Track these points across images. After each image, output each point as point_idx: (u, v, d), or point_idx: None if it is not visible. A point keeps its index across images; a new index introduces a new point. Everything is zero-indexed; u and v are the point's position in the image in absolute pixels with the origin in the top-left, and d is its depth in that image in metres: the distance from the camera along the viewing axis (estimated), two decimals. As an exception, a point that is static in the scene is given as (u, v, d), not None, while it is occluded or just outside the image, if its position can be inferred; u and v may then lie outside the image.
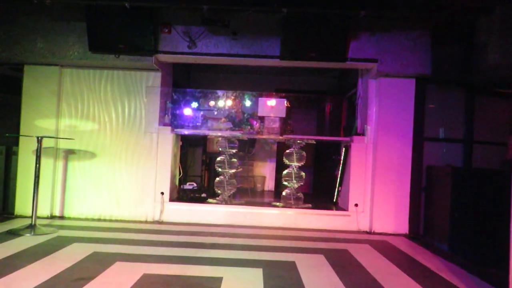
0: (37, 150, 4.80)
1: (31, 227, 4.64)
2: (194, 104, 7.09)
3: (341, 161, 6.31)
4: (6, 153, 5.60)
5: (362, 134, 5.89)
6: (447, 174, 5.02)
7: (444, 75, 5.40)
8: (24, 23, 5.47)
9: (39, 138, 4.81)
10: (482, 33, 5.10)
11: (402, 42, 5.44)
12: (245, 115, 6.70)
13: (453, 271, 3.90)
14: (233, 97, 6.80)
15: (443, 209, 5.01)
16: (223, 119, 6.32)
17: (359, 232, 5.59)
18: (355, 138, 5.85)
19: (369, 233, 5.55)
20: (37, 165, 4.79)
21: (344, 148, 6.27)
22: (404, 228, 5.51)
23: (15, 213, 5.57)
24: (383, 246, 4.82)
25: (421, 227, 5.55)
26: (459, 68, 5.29)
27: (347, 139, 6.11)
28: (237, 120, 6.62)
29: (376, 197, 5.56)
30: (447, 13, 5.07)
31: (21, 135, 5.56)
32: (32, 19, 5.46)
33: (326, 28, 5.29)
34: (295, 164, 6.04)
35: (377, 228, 5.53)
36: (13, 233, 4.54)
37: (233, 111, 6.68)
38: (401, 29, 5.42)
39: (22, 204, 5.54)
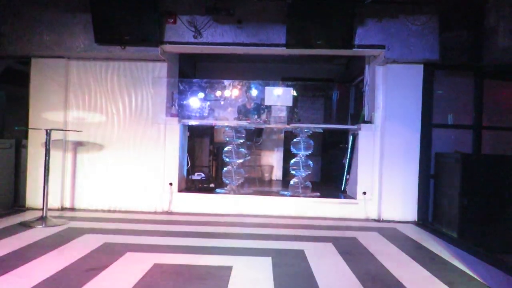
0: (46, 142, 4.84)
1: (43, 219, 4.70)
2: (201, 94, 7.10)
3: (349, 149, 6.28)
4: (15, 147, 5.65)
5: (370, 121, 5.85)
6: (456, 160, 4.98)
7: (452, 60, 5.33)
8: (30, 16, 5.47)
9: (48, 130, 4.85)
10: (491, 17, 5.02)
11: (409, 28, 5.37)
12: (253, 104, 6.70)
13: (463, 257, 3.89)
14: (239, 86, 6.78)
15: (452, 195, 4.98)
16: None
17: (367, 220, 5.59)
18: (363, 125, 5.82)
19: (378, 220, 5.54)
20: (47, 157, 4.84)
21: (351, 136, 6.24)
22: (413, 215, 5.50)
23: (26, 206, 5.65)
24: (392, 233, 4.82)
25: (430, 214, 5.54)
26: (468, 53, 5.22)
27: (355, 127, 6.08)
28: (248, 107, 6.61)
29: (384, 184, 5.55)
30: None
31: (30, 128, 5.60)
32: (38, 12, 5.47)
33: (332, 15, 5.23)
34: (303, 153, 6.03)
35: (386, 216, 5.52)
36: (25, 225, 4.60)
37: (244, 102, 6.66)
38: (408, 14, 5.35)
39: (33, 196, 5.61)
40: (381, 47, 5.40)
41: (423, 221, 5.44)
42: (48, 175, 4.83)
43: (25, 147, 5.70)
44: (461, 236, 4.74)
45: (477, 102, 5.65)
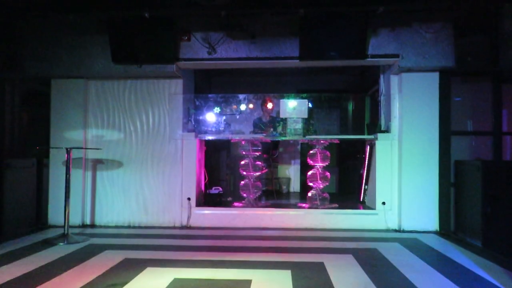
0: (66, 161, 4.94)
1: (64, 236, 4.78)
2: (217, 109, 7.16)
3: (366, 159, 6.23)
4: (37, 166, 5.77)
5: (387, 131, 5.81)
6: (477, 168, 4.89)
7: (469, 67, 5.27)
8: (49, 39, 5.65)
9: (68, 149, 4.96)
10: (506, 21, 4.96)
11: (423, 35, 5.35)
12: (269, 117, 6.72)
13: (487, 267, 3.79)
14: (254, 100, 6.82)
15: (475, 204, 4.88)
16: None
17: (388, 230, 5.50)
18: (380, 135, 5.77)
19: (398, 231, 5.46)
20: (67, 175, 4.94)
21: (368, 146, 6.20)
22: (434, 225, 5.40)
23: (48, 223, 5.75)
24: (414, 244, 4.73)
25: (452, 223, 5.42)
26: (484, 58, 5.16)
27: (372, 136, 6.03)
28: (264, 121, 6.64)
29: (404, 194, 5.47)
30: (470, 2, 4.96)
31: (51, 147, 5.74)
32: (57, 34, 5.64)
33: (345, 26, 5.25)
34: (320, 164, 6.01)
35: (406, 226, 5.44)
36: (48, 243, 4.69)
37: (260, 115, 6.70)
38: (422, 21, 5.33)
39: (55, 214, 5.71)
40: (395, 56, 5.39)
41: (445, 231, 5.33)
42: (69, 193, 4.93)
43: (47, 166, 5.84)
44: (485, 246, 4.62)
45: (496, 107, 5.56)
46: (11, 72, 5.76)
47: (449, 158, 5.47)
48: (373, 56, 5.41)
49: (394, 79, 5.75)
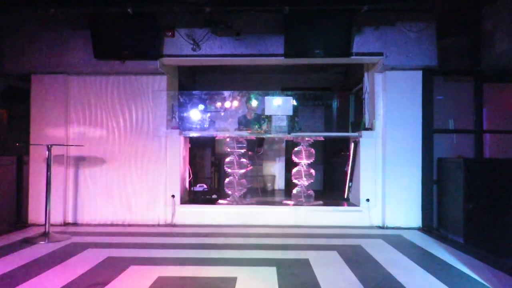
0: (47, 158, 4.85)
1: (45, 235, 4.68)
2: (201, 106, 7.12)
3: (351, 157, 6.27)
4: (17, 163, 5.65)
5: (371, 128, 5.85)
6: (459, 165, 4.97)
7: (451, 66, 5.34)
8: (29, 33, 5.52)
9: (49, 146, 4.86)
10: (488, 21, 5.04)
11: (407, 35, 5.40)
12: (253, 115, 6.71)
13: (469, 263, 3.85)
14: (239, 97, 6.80)
15: (457, 201, 4.96)
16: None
17: (371, 227, 5.56)
18: (364, 133, 5.82)
19: (382, 227, 5.51)
20: (48, 173, 4.84)
21: (353, 144, 6.24)
22: (417, 222, 5.47)
23: (28, 222, 5.63)
24: (397, 240, 4.79)
25: (435, 220, 5.50)
26: (466, 58, 5.23)
27: (356, 134, 6.08)
28: (249, 118, 6.62)
29: (387, 191, 5.52)
30: (452, 2, 5.02)
31: (31, 144, 5.62)
32: (37, 29, 5.52)
33: (329, 24, 5.27)
34: (304, 161, 6.02)
35: (390, 223, 5.49)
36: (28, 241, 4.59)
37: (244, 112, 6.67)
38: (405, 21, 5.38)
39: (35, 212, 5.59)
40: (379, 54, 5.43)
41: (428, 227, 5.40)
42: (50, 191, 4.83)
43: (27, 163, 5.71)
44: (467, 242, 4.70)
45: (478, 106, 5.66)
46: (-11, 68, 5.62)
47: (431, 155, 5.55)
48: (357, 54, 5.45)
49: (378, 77, 5.79)
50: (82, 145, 5.61)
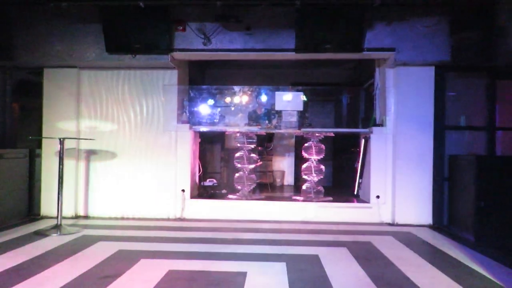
0: (59, 151, 4.89)
1: (57, 227, 4.74)
2: (211, 101, 7.13)
3: (361, 153, 6.24)
4: (29, 156, 5.71)
5: (381, 124, 5.81)
6: (471, 163, 4.91)
7: (464, 61, 5.28)
8: (42, 27, 5.55)
9: (61, 139, 4.90)
10: (502, 17, 4.97)
11: (419, 30, 5.34)
12: (263, 110, 6.70)
13: (480, 260, 3.82)
14: (249, 92, 6.79)
15: (468, 198, 4.91)
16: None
17: (381, 224, 5.53)
18: (374, 129, 5.78)
19: (392, 224, 5.48)
20: (60, 166, 4.88)
21: (363, 140, 6.21)
22: (428, 219, 5.43)
23: (41, 214, 5.70)
24: (407, 237, 4.76)
25: (445, 217, 5.46)
26: (479, 53, 5.17)
27: (366, 130, 6.04)
28: (259, 113, 6.61)
29: (398, 188, 5.49)
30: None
31: (44, 137, 5.67)
32: (49, 22, 5.54)
33: (341, 19, 5.22)
34: (314, 157, 6.01)
35: (400, 220, 5.46)
36: (40, 234, 4.64)
37: (254, 107, 6.67)
38: (418, 16, 5.32)
39: (47, 205, 5.66)
40: (391, 49, 5.38)
41: (438, 225, 5.37)
42: (62, 184, 4.87)
43: (39, 156, 5.77)
44: (478, 239, 4.66)
45: (490, 102, 5.58)
46: (2, 61, 5.66)
47: (443, 152, 5.50)
48: (369, 50, 5.40)
49: (389, 73, 5.74)
50: (93, 139, 5.65)
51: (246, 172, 6.08)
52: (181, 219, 5.66)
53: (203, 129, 6.19)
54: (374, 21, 5.36)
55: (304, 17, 5.22)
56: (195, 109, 6.48)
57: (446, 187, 5.48)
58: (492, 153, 5.51)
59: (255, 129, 6.14)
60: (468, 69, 5.61)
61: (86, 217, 5.76)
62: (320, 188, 6.00)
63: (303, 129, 6.01)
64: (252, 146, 6.13)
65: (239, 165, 6.08)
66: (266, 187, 7.12)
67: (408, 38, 5.35)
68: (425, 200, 5.43)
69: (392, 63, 5.50)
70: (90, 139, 5.64)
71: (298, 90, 6.27)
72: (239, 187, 6.06)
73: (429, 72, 5.47)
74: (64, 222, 4.92)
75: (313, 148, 5.99)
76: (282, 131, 6.13)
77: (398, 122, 5.53)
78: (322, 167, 6.05)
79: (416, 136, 5.46)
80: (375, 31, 5.39)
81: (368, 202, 5.72)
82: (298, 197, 6.00)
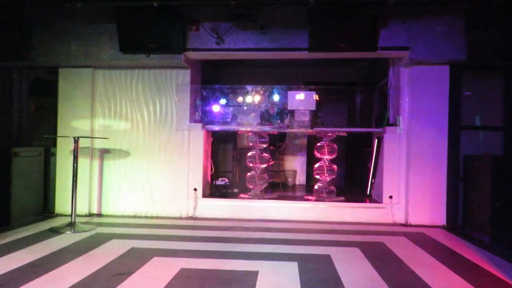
0: (74, 150, 4.95)
1: (71, 225, 4.80)
2: (223, 100, 7.14)
3: (374, 153, 6.19)
4: (44, 154, 5.80)
5: (395, 124, 5.75)
6: (487, 163, 4.84)
7: (480, 60, 5.20)
8: (57, 28, 5.63)
9: (76, 138, 4.96)
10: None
11: (434, 28, 5.27)
12: (276, 109, 6.70)
13: (495, 262, 3.76)
14: (262, 92, 6.79)
15: (483, 199, 4.83)
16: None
17: (394, 224, 5.48)
18: (388, 129, 5.73)
19: (405, 225, 5.43)
20: (75, 164, 4.94)
21: (376, 140, 6.15)
22: (442, 220, 5.36)
23: (55, 212, 5.78)
24: (420, 238, 4.71)
25: (460, 218, 5.38)
26: (496, 52, 5.08)
27: (379, 130, 5.99)
28: (271, 112, 6.61)
29: (411, 188, 5.43)
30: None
31: (59, 136, 5.75)
32: (65, 22, 5.61)
33: (355, 18, 5.19)
34: (326, 157, 5.98)
35: (413, 220, 5.41)
36: (55, 231, 4.71)
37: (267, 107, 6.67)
38: (433, 14, 5.25)
39: (62, 202, 5.74)
40: (405, 48, 5.32)
41: (452, 226, 5.30)
42: (76, 182, 4.94)
43: (54, 155, 5.85)
44: (493, 241, 4.58)
45: (507, 102, 5.48)
46: (19, 61, 5.75)
47: (458, 152, 5.42)
48: (383, 49, 5.35)
49: (403, 72, 5.68)
50: (107, 138, 5.71)
51: (258, 171, 6.08)
52: (193, 218, 5.69)
53: (216, 128, 6.21)
54: (389, 20, 5.31)
55: (318, 16, 5.20)
56: (208, 108, 6.49)
57: (461, 188, 5.40)
58: (508, 153, 5.41)
59: (267, 128, 6.14)
60: (484, 68, 5.52)
61: (99, 215, 5.82)
62: (332, 188, 5.97)
63: (315, 129, 5.98)
64: (264, 145, 6.13)
65: (251, 165, 6.09)
66: (278, 187, 7.11)
67: (423, 37, 5.28)
68: (439, 200, 5.37)
69: (406, 62, 5.44)
70: (104, 137, 5.70)
71: (310, 90, 6.24)
72: (251, 187, 6.06)
73: (444, 71, 5.40)
74: (78, 220, 4.98)
75: (326, 147, 5.97)
76: (294, 130, 6.11)
77: (412, 122, 5.47)
78: (335, 166, 6.02)
79: (430, 135, 5.40)
80: (390, 29, 5.33)
81: (381, 202, 5.67)
82: (310, 197, 5.98)
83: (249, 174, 6.13)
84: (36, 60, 5.70)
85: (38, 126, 6.47)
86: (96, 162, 5.89)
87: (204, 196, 5.85)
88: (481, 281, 3.24)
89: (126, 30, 5.38)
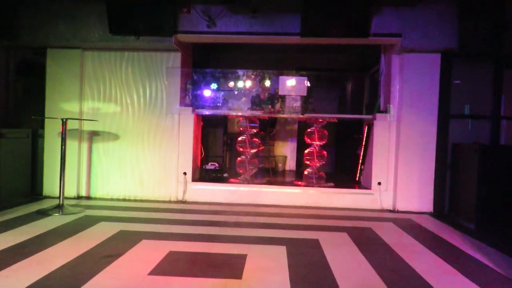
0: (62, 132, 4.89)
1: (59, 207, 4.77)
2: (214, 85, 7.09)
3: (364, 140, 6.22)
4: (32, 136, 5.72)
5: (385, 111, 5.78)
6: (474, 151, 4.89)
7: (471, 49, 5.21)
8: (46, 7, 5.50)
9: (64, 120, 4.90)
10: (512, 5, 4.89)
11: (427, 16, 5.26)
12: (267, 94, 6.67)
13: (480, 248, 3.83)
14: (253, 77, 6.75)
15: (470, 187, 4.90)
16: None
17: (382, 210, 5.54)
18: (378, 116, 5.75)
19: (393, 211, 5.49)
20: (63, 146, 4.89)
21: (366, 126, 6.18)
22: (429, 207, 5.43)
23: (43, 194, 5.74)
24: (408, 224, 4.77)
25: (447, 205, 5.46)
26: (487, 41, 5.09)
27: (370, 117, 6.01)
28: (262, 97, 6.58)
29: (399, 175, 5.49)
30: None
31: (46, 117, 5.67)
32: (53, 2, 5.49)
33: (348, 3, 5.15)
34: (317, 143, 5.99)
35: (401, 207, 5.47)
36: (42, 213, 4.68)
37: (258, 92, 6.63)
38: (426, 2, 5.23)
39: (50, 185, 5.70)
40: (398, 35, 5.31)
41: (439, 212, 5.37)
42: (64, 164, 4.89)
43: (42, 136, 5.79)
44: (478, 228, 4.66)
45: (496, 92, 5.52)
46: (6, 40, 5.63)
47: (446, 140, 5.47)
48: (375, 35, 5.33)
49: (395, 60, 5.68)
50: (96, 120, 5.65)
51: (248, 156, 6.08)
52: (182, 202, 5.69)
53: (206, 112, 6.18)
54: (382, 6, 5.28)
55: (311, 1, 5.15)
56: (198, 92, 6.45)
57: (449, 175, 5.46)
58: (496, 142, 5.47)
59: (258, 113, 6.12)
60: (475, 57, 5.54)
61: (88, 197, 5.80)
62: (322, 173, 6.00)
63: (306, 115, 5.98)
64: (255, 130, 6.12)
65: (241, 149, 6.08)
66: (268, 172, 7.13)
67: (415, 24, 5.27)
68: (426, 187, 5.43)
69: (398, 49, 5.44)
70: (92, 120, 5.64)
71: (302, 75, 6.22)
72: (241, 171, 6.06)
73: (436, 60, 5.41)
74: (66, 202, 4.96)
75: (316, 133, 5.98)
76: (285, 116, 6.10)
77: (402, 109, 5.49)
78: (325, 153, 6.04)
79: (420, 123, 5.43)
80: (382, 16, 5.31)
81: (369, 188, 5.72)
82: (299, 182, 6.00)
83: (239, 158, 6.13)
84: (23, 40, 5.58)
85: (25, 107, 6.37)
86: (85, 145, 5.84)
87: (194, 180, 5.85)
88: (466, 266, 3.30)
89: (116, 11, 5.27)
